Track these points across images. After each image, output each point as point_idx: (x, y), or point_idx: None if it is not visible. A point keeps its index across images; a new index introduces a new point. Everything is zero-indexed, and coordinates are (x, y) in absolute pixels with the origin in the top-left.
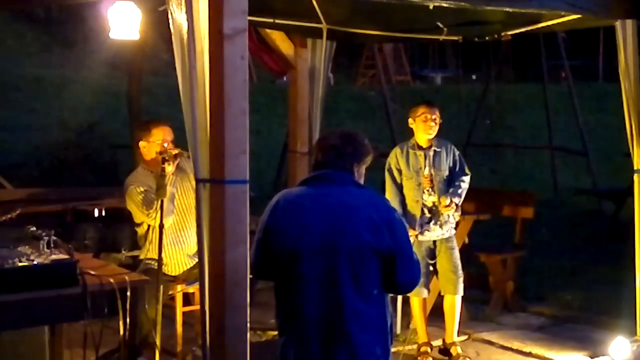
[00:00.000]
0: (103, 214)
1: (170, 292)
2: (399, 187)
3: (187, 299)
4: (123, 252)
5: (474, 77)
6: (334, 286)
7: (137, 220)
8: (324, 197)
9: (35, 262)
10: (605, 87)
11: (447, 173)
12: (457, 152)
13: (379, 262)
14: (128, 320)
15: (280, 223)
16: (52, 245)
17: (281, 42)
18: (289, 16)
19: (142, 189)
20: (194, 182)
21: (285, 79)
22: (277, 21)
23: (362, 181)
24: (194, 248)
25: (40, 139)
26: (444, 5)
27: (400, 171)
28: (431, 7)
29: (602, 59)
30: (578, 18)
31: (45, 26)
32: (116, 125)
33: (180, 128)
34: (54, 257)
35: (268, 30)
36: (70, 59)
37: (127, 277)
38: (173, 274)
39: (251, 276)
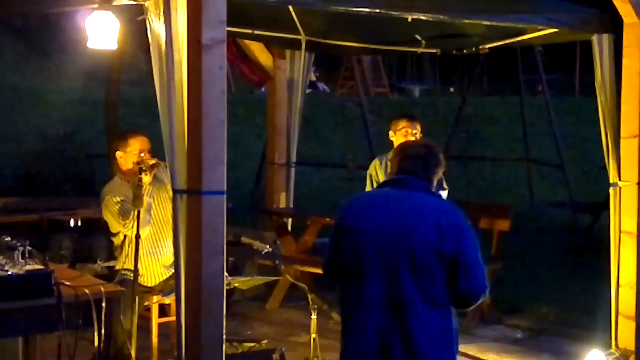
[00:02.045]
0: (79, 224)
1: (146, 304)
2: None
3: (163, 310)
4: (99, 262)
5: (452, 89)
6: (395, 286)
7: (113, 230)
8: (395, 201)
9: (9, 273)
10: (582, 101)
11: None
12: None
13: (442, 266)
14: (103, 331)
15: (350, 223)
16: (27, 255)
17: (260, 53)
18: (268, 27)
19: (118, 199)
20: (171, 193)
21: (264, 90)
22: (256, 32)
23: (434, 191)
24: (170, 259)
25: (16, 148)
26: (423, 18)
27: (379, 183)
28: (410, 20)
29: (579, 73)
30: (556, 32)
31: (22, 35)
32: (93, 135)
33: (158, 138)
34: (29, 267)
35: (247, 42)
36: (48, 68)
37: (102, 288)
38: (149, 285)
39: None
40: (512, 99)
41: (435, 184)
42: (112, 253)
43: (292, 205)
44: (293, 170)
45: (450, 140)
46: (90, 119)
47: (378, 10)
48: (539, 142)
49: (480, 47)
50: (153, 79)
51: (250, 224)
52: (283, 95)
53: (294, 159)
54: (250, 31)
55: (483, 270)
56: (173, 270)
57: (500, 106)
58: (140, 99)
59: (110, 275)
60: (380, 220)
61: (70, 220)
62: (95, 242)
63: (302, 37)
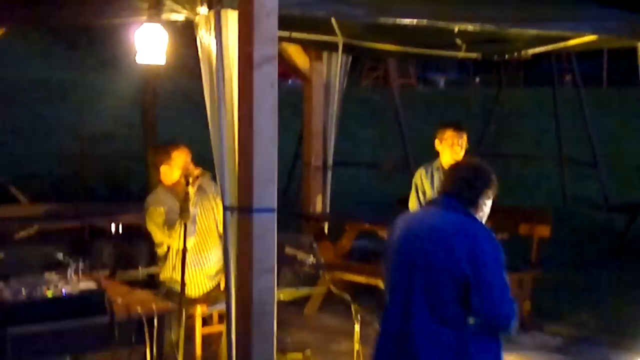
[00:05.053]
0: (120, 230)
1: (189, 313)
2: None
3: (204, 319)
4: (140, 269)
5: (477, 80)
6: (408, 302)
7: (157, 240)
8: (423, 219)
9: (64, 293)
10: (610, 92)
11: None
12: None
13: (455, 287)
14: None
15: (390, 239)
16: (79, 272)
17: (297, 55)
18: (305, 29)
19: (163, 210)
20: (214, 202)
21: (290, 82)
22: (293, 35)
23: (481, 213)
24: (213, 269)
25: (54, 147)
26: (470, 28)
27: (425, 194)
28: (456, 30)
29: (606, 62)
30: (599, 38)
31: (51, 33)
32: (129, 136)
33: (189, 135)
34: (82, 286)
35: (284, 44)
36: (80, 65)
37: (154, 305)
38: (193, 296)
39: None
40: (539, 90)
41: (480, 205)
42: (153, 259)
43: (328, 208)
44: (329, 173)
45: (483, 136)
46: (126, 119)
47: (425, 22)
48: (568, 136)
49: (522, 52)
50: (181, 75)
51: (281, 225)
52: (319, 97)
53: (330, 161)
54: (287, 33)
55: (503, 293)
56: (217, 281)
57: (528, 99)
58: (169, 93)
59: (150, 281)
60: (408, 238)
61: (110, 226)
62: (136, 249)
63: (339, 39)
